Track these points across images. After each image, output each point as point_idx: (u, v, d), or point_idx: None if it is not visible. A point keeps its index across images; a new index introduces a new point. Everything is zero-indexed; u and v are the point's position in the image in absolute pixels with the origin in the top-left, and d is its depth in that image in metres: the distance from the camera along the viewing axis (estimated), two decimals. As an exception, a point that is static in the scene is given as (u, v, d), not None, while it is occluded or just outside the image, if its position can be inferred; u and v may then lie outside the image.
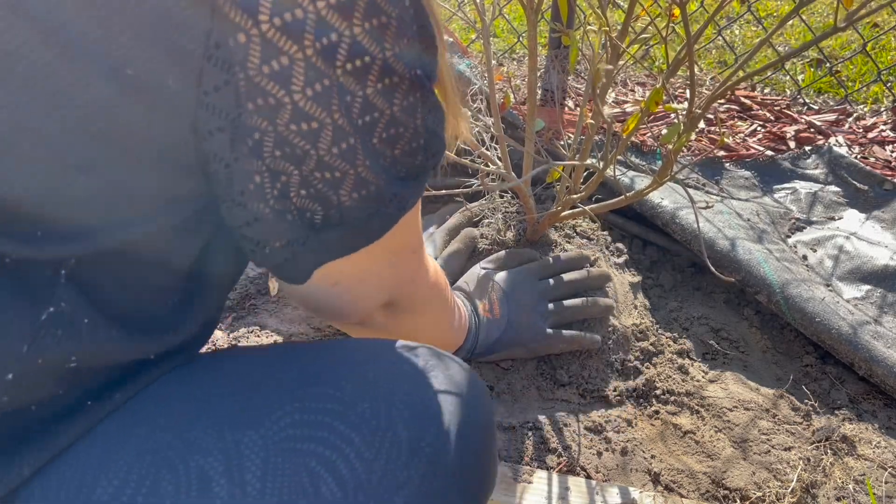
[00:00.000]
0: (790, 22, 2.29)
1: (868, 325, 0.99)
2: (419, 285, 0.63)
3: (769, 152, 1.39)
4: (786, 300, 0.99)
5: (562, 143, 1.08)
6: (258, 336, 0.99)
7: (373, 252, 0.48)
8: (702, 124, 1.46)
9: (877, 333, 0.98)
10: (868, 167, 1.34)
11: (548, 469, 0.81)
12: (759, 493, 0.80)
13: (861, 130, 1.52)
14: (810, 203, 1.29)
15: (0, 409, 0.35)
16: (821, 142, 1.43)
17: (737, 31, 2.31)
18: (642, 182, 1.22)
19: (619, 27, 0.71)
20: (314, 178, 0.40)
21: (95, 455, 0.39)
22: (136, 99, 0.33)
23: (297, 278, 0.46)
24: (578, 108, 1.46)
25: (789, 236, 1.21)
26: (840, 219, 1.26)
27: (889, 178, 1.31)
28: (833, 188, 1.32)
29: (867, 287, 1.10)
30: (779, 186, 1.33)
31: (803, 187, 1.32)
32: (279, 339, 0.99)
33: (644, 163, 1.31)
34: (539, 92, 1.31)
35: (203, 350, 0.51)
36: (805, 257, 1.15)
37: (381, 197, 0.43)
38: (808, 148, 1.41)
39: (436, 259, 0.97)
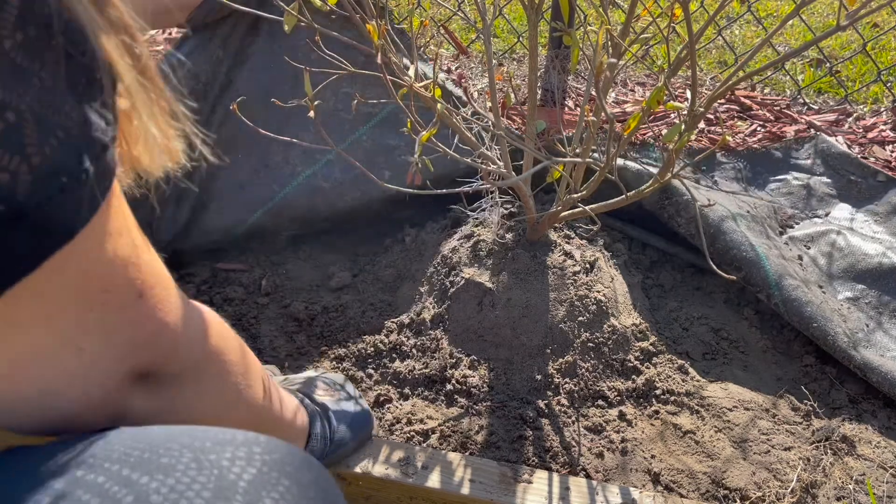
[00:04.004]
0: (790, 22, 2.29)
1: (861, 333, 0.99)
2: (178, 339, 0.46)
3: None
4: (784, 303, 1.00)
5: (562, 136, 1.08)
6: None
7: (61, 285, 0.35)
8: (702, 124, 1.46)
9: (869, 342, 0.98)
10: (860, 158, 1.32)
11: (548, 469, 0.81)
12: (759, 493, 0.80)
13: (861, 130, 1.52)
14: (803, 196, 1.27)
15: None
16: (812, 132, 1.42)
17: (737, 31, 2.31)
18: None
19: (619, 26, 0.71)
20: None
21: None
22: None
23: None
24: (578, 108, 1.46)
25: (783, 232, 1.21)
26: (833, 212, 1.24)
27: (882, 169, 1.30)
28: (825, 179, 1.29)
29: (861, 286, 1.09)
30: (771, 178, 1.32)
31: (796, 178, 1.30)
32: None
33: (639, 156, 1.30)
34: (539, 92, 1.31)
35: None
36: (800, 257, 1.14)
37: (82, 147, 0.33)
38: (799, 137, 1.38)
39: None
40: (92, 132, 0.34)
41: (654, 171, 1.18)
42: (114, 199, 0.37)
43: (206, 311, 0.51)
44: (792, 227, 1.22)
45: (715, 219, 1.08)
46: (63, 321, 0.36)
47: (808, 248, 1.17)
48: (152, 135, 0.41)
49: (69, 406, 0.39)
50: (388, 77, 0.66)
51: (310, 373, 0.83)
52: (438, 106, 0.70)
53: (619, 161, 1.15)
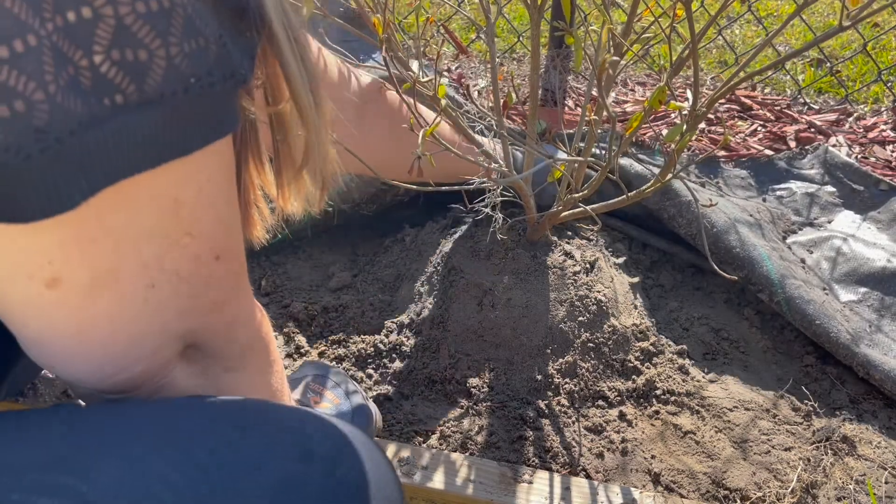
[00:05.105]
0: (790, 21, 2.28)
1: (864, 332, 0.99)
2: (237, 318, 0.45)
3: (768, 152, 1.39)
4: (787, 301, 1.00)
5: (562, 133, 1.08)
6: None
7: (145, 221, 0.34)
8: (702, 124, 1.46)
9: (872, 341, 0.98)
10: (864, 167, 1.33)
11: (549, 469, 0.81)
12: (759, 494, 0.80)
13: (861, 130, 1.52)
14: (806, 203, 1.29)
15: None
16: (821, 139, 1.43)
17: (737, 31, 2.31)
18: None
19: (621, 26, 0.71)
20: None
21: None
22: None
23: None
24: (579, 108, 1.46)
25: (786, 237, 1.21)
26: (836, 220, 1.25)
27: (884, 178, 1.31)
28: (829, 188, 1.31)
29: (863, 290, 1.10)
30: (775, 186, 1.33)
31: (799, 187, 1.32)
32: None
33: (646, 157, 1.30)
34: (539, 91, 1.30)
35: None
36: (803, 260, 1.15)
37: (220, 61, 0.33)
38: (804, 147, 1.40)
39: None
40: (228, 58, 0.33)
41: (656, 171, 1.17)
42: (227, 148, 0.37)
43: (259, 306, 0.51)
44: (795, 232, 1.23)
45: (716, 222, 1.08)
46: (145, 248, 0.35)
47: (811, 253, 1.17)
48: (319, 150, 0.42)
49: (121, 357, 0.38)
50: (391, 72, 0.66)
51: (307, 369, 0.83)
52: (442, 103, 0.70)
53: (622, 161, 1.15)
